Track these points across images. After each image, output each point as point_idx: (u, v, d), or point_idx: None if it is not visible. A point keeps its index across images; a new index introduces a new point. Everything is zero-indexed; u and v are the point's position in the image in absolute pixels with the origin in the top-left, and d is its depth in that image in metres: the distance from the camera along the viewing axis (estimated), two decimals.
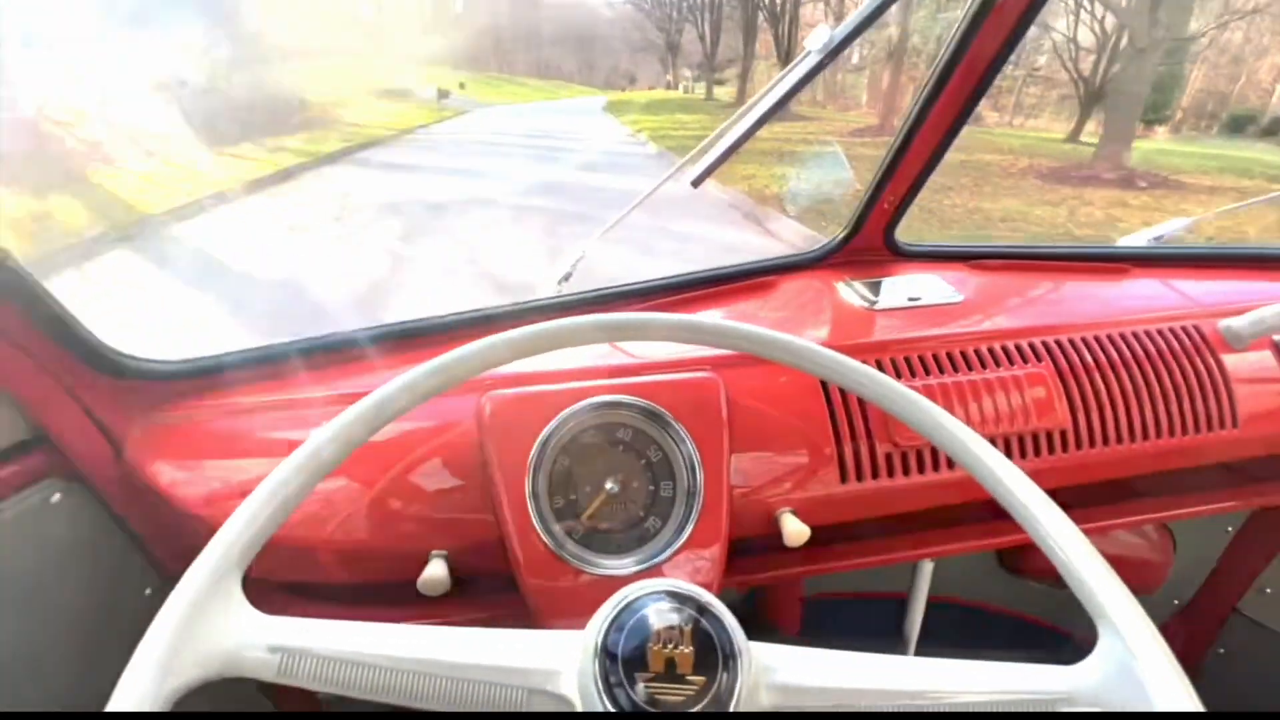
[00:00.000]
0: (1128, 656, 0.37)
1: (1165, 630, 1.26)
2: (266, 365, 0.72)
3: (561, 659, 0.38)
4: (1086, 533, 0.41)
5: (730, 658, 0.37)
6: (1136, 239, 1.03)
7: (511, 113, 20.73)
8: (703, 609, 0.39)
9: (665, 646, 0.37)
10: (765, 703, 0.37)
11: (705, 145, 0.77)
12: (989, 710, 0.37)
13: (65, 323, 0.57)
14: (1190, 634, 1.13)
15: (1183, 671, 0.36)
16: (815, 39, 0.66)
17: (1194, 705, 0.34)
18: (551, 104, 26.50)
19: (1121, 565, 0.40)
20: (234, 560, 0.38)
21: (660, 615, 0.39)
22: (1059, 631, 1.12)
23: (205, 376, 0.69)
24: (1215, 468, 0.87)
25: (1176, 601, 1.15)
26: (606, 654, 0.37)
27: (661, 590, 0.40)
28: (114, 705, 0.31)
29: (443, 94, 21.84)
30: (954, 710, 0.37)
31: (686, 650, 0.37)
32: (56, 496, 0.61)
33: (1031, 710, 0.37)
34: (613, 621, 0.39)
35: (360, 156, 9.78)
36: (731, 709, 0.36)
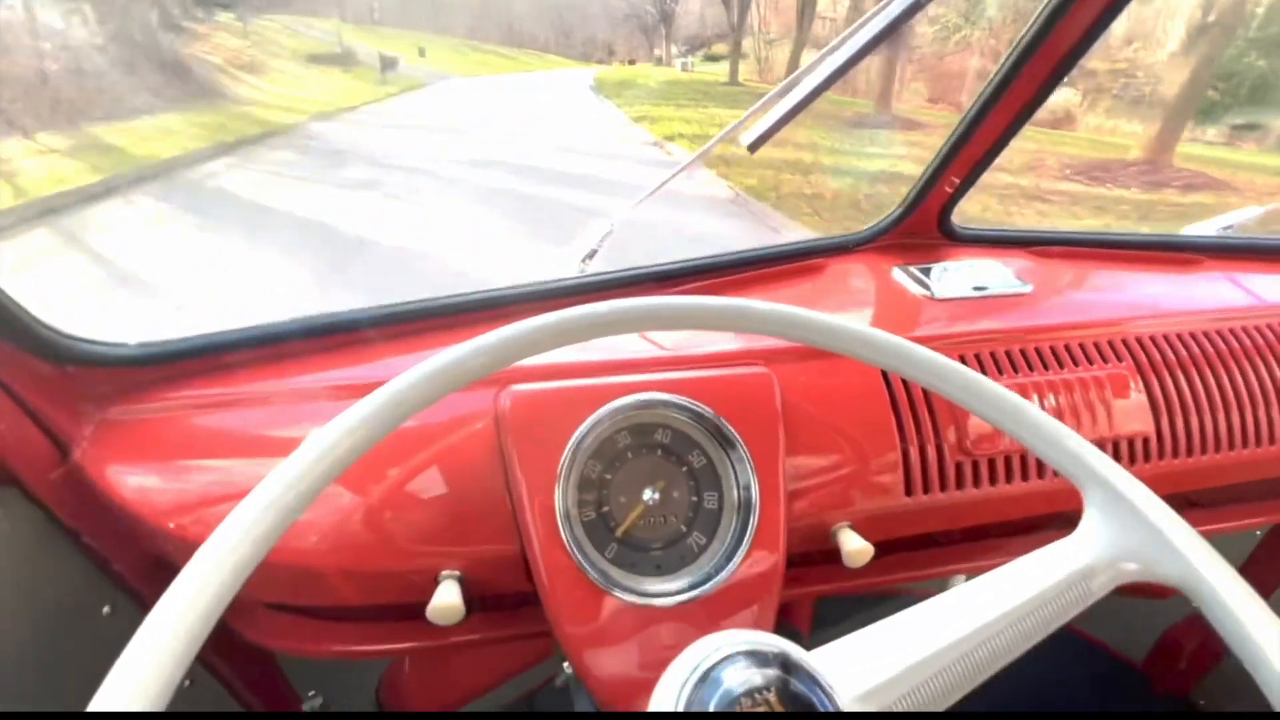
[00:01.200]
0: (1127, 508, 0.40)
1: (1175, 634, 1.21)
2: (243, 350, 0.61)
3: None
4: None
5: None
6: (1205, 227, 0.95)
7: (479, 87, 17.15)
8: (789, 666, 0.33)
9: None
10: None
11: (758, 105, 0.68)
12: (1038, 616, 0.37)
13: None
14: (1203, 641, 1.09)
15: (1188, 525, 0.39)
16: None
17: (1208, 550, 0.38)
18: (527, 76, 22.67)
19: None
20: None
21: (741, 678, 0.32)
22: (1120, 657, 1.08)
23: (170, 363, 0.58)
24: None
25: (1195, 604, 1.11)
26: None
27: (737, 650, 0.33)
28: None
29: (387, 63, 17.19)
30: (1010, 628, 0.36)
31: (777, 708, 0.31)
32: None
33: (1070, 596, 0.37)
34: (682, 697, 0.32)
35: (242, 154, 6.95)
36: None
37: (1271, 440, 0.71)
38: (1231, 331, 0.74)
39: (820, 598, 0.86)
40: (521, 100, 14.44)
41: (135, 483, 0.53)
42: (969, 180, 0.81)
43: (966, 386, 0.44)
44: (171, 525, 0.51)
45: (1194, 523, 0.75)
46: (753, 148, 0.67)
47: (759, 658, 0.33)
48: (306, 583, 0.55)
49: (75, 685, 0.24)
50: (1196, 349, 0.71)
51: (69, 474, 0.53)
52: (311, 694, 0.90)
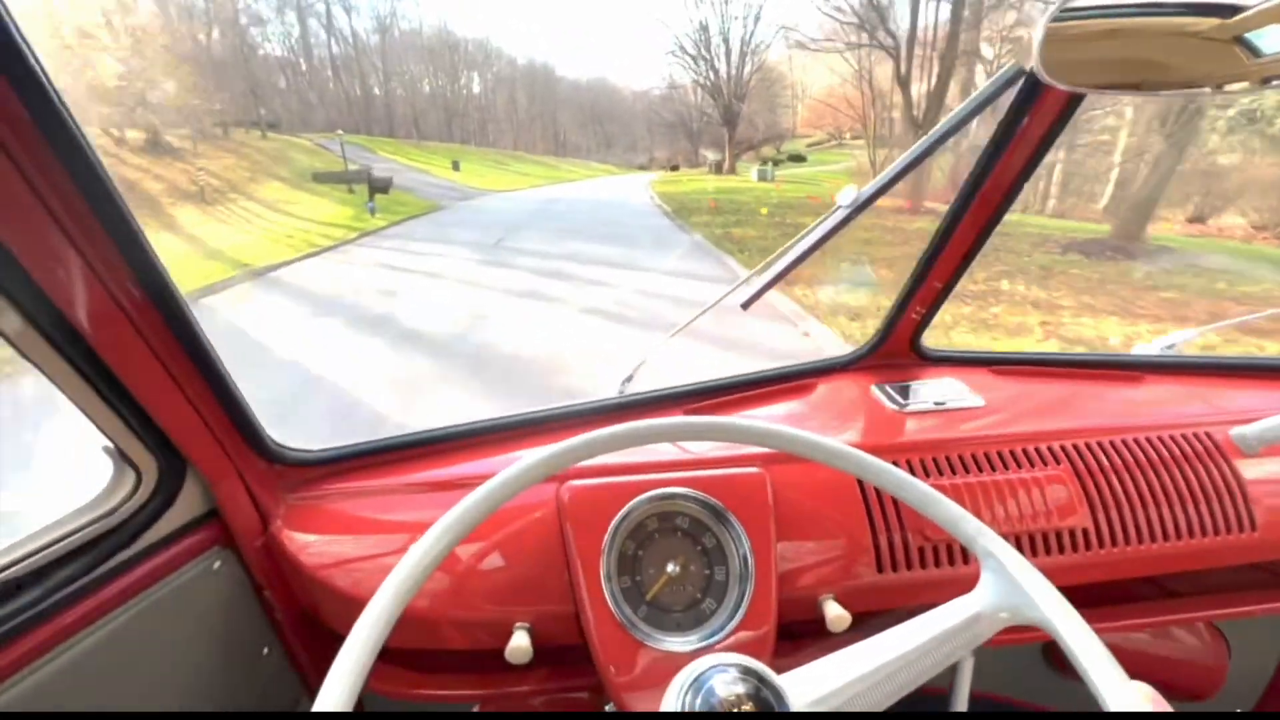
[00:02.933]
0: (1004, 571, 0.54)
1: None
2: (384, 454, 0.85)
3: None
4: (1129, 628, 0.52)
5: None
6: (1149, 348, 1.11)
7: (514, 202, 14.36)
8: (762, 679, 0.49)
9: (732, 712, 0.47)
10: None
11: (750, 275, 0.92)
12: (940, 646, 0.52)
13: (243, 410, 0.71)
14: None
15: (1047, 580, 0.52)
16: (844, 196, 0.81)
17: (1059, 599, 0.51)
18: (558, 190, 19.21)
19: (1173, 668, 0.49)
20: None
21: (727, 686, 0.48)
22: None
23: (335, 464, 0.83)
24: (1249, 569, 0.90)
25: (1240, 709, 1.12)
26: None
27: (727, 664, 0.50)
28: None
29: (378, 185, 12.25)
30: (926, 654, 0.52)
31: (750, 709, 0.47)
32: (218, 564, 0.73)
33: (967, 634, 0.53)
34: (684, 694, 0.48)
35: None
36: None
37: (1217, 531, 0.81)
38: (1174, 438, 0.86)
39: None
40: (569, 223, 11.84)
41: (307, 549, 0.75)
42: (933, 308, 1.00)
43: (899, 485, 0.60)
44: (324, 578, 0.72)
45: (1175, 610, 0.84)
46: (745, 305, 0.90)
47: (742, 670, 0.49)
48: (412, 628, 0.72)
49: (235, 704, 0.37)
50: (1129, 454, 0.84)
51: (266, 542, 0.76)
52: None
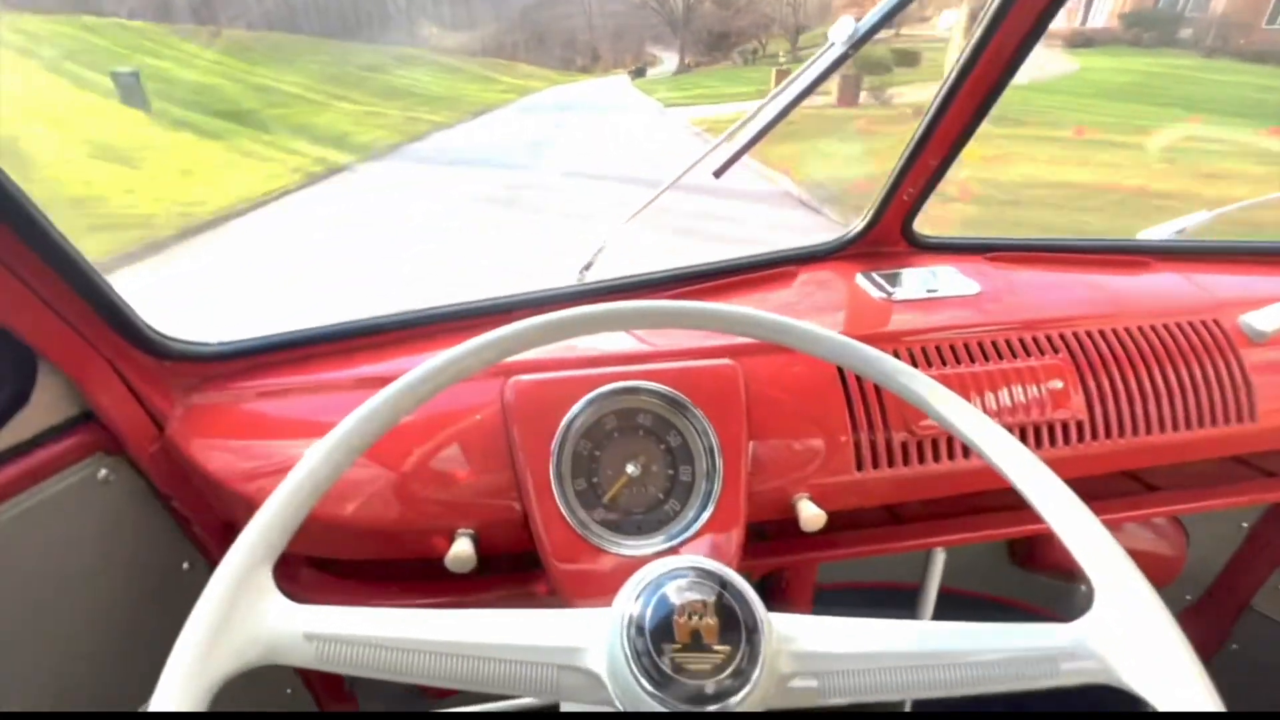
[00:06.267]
0: (1125, 612, 0.39)
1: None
2: (299, 348, 0.74)
3: (589, 636, 0.40)
4: (1106, 524, 0.43)
5: (753, 630, 0.39)
6: (1158, 232, 1.02)
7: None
8: (725, 583, 0.41)
9: (690, 619, 0.39)
10: (786, 669, 0.39)
11: (727, 135, 0.78)
12: (997, 669, 0.38)
13: (114, 303, 0.60)
14: (1203, 629, 1.13)
15: (1182, 634, 0.37)
16: (839, 30, 0.67)
17: (1192, 663, 0.36)
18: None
19: (1133, 558, 0.41)
20: (267, 550, 0.40)
21: (683, 590, 0.40)
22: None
23: (242, 358, 0.71)
24: (1231, 462, 0.88)
25: (1189, 597, 1.15)
26: (634, 627, 0.39)
27: (685, 566, 0.42)
28: (157, 699, 0.33)
29: None
30: (966, 666, 0.39)
31: (711, 622, 0.39)
32: (103, 473, 0.64)
33: (1037, 669, 0.38)
34: (638, 596, 0.40)
35: None
36: (755, 676, 0.37)
37: (1215, 422, 0.77)
38: (1179, 325, 0.80)
39: (821, 586, 0.93)
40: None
41: (215, 455, 0.65)
42: (925, 190, 0.90)
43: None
44: (238, 490, 0.64)
45: (1151, 505, 0.82)
46: (717, 174, 0.78)
47: (700, 573, 0.41)
48: (345, 538, 0.66)
49: (157, 626, 0.34)
50: (1132, 343, 0.78)
51: (164, 448, 0.66)
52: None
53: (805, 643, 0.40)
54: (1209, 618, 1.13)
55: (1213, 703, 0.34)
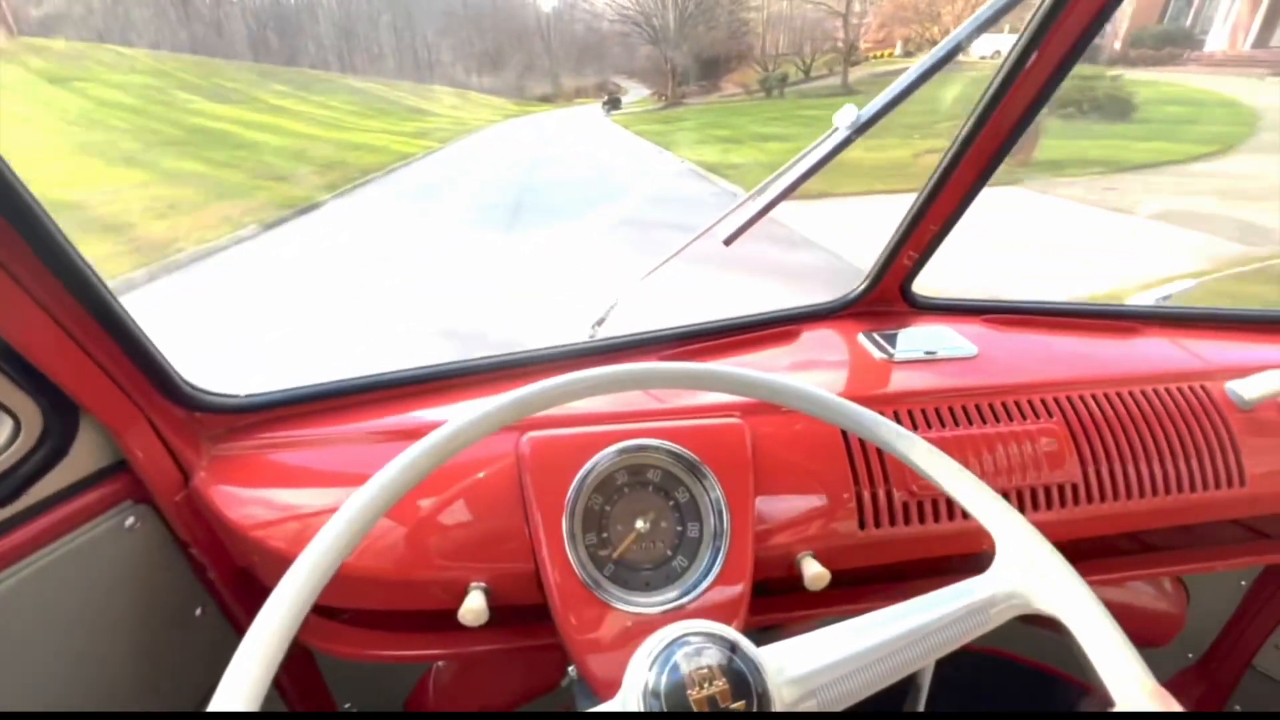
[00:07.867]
0: (1023, 554, 0.49)
1: (1180, 683, 1.23)
2: (321, 400, 0.77)
3: None
4: (1104, 583, 0.47)
5: (763, 695, 0.42)
6: (1145, 298, 1.07)
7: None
8: (734, 647, 0.44)
9: (702, 688, 0.41)
10: (789, 698, 0.42)
11: (737, 205, 0.83)
12: (948, 631, 0.47)
13: (152, 356, 0.62)
14: (1206, 688, 1.13)
15: (1064, 559, 0.48)
16: (843, 116, 0.72)
17: (1081, 586, 0.46)
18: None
19: (1134, 616, 0.45)
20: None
21: (692, 657, 0.43)
22: (1074, 682, 1.13)
23: (266, 410, 0.74)
24: (1228, 524, 0.89)
25: (1190, 655, 1.15)
26: (651, 696, 0.41)
27: (696, 632, 0.45)
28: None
29: None
30: (923, 639, 0.46)
31: (723, 686, 0.42)
32: (130, 520, 0.65)
33: (975, 620, 0.47)
34: (651, 666, 0.43)
35: None
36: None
37: (1206, 486, 0.78)
38: (1169, 391, 0.83)
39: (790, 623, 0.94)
40: None
41: (236, 505, 0.67)
42: (925, 254, 0.94)
43: (896, 440, 0.55)
44: (258, 538, 0.65)
45: (1151, 565, 0.83)
46: (728, 242, 0.82)
47: (713, 638, 0.44)
48: (355, 587, 0.67)
49: (168, 669, 0.36)
50: (1124, 408, 0.81)
51: (188, 496, 0.68)
52: (348, 705, 1.00)
53: (795, 667, 0.44)
54: (1212, 677, 1.13)
55: (1094, 608, 0.45)
